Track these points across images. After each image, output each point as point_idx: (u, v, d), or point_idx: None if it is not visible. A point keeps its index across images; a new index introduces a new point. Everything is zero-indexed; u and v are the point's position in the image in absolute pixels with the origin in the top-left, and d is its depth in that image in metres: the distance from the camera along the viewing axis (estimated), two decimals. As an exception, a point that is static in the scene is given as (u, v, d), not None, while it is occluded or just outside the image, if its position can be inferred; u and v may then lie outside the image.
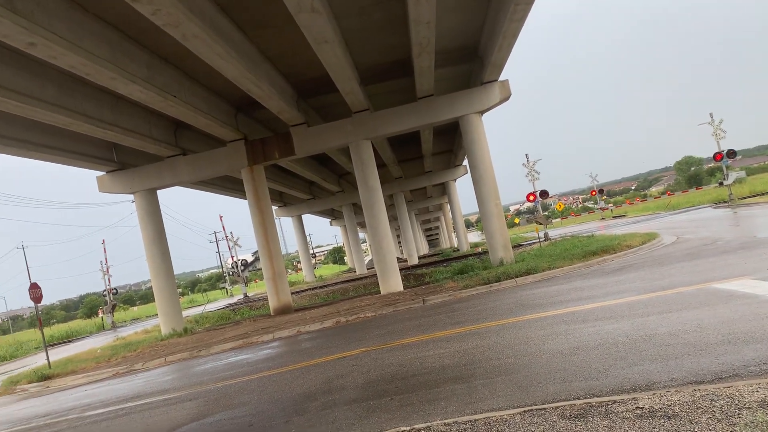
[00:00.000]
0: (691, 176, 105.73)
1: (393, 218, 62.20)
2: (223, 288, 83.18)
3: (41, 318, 22.81)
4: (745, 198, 39.54)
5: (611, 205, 74.57)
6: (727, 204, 38.15)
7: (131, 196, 25.57)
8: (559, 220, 79.16)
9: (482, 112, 23.51)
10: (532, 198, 35.46)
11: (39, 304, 21.41)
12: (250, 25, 15.78)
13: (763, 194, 39.62)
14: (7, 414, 13.99)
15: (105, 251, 58.38)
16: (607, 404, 5.30)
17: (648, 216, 46.08)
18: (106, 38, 13.86)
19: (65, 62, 13.04)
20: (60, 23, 12.03)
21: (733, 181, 40.22)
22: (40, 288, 20.98)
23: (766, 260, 12.42)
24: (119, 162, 24.33)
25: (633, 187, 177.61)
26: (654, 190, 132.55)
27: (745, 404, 4.66)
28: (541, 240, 33.66)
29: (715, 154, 39.79)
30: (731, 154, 39.43)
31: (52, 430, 10.36)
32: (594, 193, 64.28)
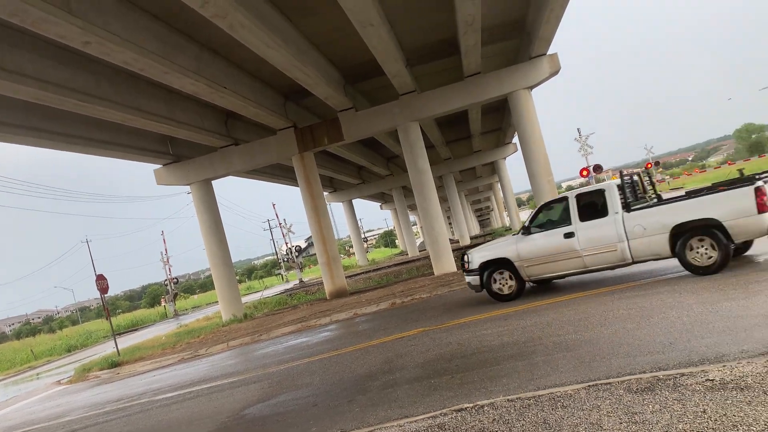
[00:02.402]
0: (753, 144, 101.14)
1: (443, 199, 61.86)
2: (279, 274, 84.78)
3: (108, 308, 23.78)
4: (813, 164, 37.69)
5: (668, 177, 72.24)
6: (793, 171, 36.44)
7: (187, 188, 26.25)
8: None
9: (531, 88, 23.07)
10: (585, 173, 34.62)
11: (105, 295, 22.32)
12: (296, 12, 15.88)
13: (832, 159, 37.69)
14: (82, 399, 14.70)
15: (164, 242, 60.27)
16: (676, 377, 5.20)
17: (708, 187, 44.44)
18: (156, 33, 14.19)
19: (119, 58, 13.44)
20: (113, 21, 12.39)
21: (800, 147, 38.32)
22: (106, 279, 21.85)
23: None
24: (174, 155, 24.99)
25: (690, 158, 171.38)
26: (713, 160, 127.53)
27: (823, 374, 4.50)
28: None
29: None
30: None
31: (125, 414, 10.84)
32: (649, 165, 62.37)
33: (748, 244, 10.93)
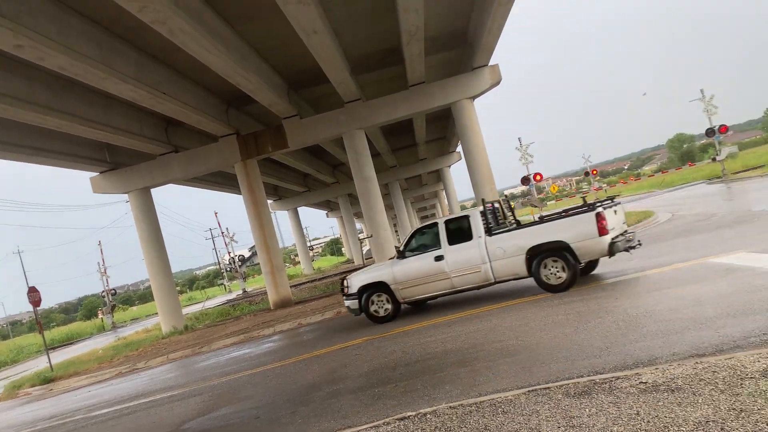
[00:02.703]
0: (684, 153, 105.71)
1: (389, 207, 62.20)
2: (222, 284, 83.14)
3: (40, 321, 22.80)
4: (738, 173, 39.60)
5: (605, 185, 74.68)
6: (720, 179, 38.25)
7: (126, 196, 25.50)
8: (553, 202, 79.24)
9: (474, 98, 23.48)
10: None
11: (38, 308, 21.38)
12: (238, 18, 15.68)
13: (755, 168, 39.68)
14: (11, 418, 14.02)
15: (102, 252, 58.27)
16: (611, 381, 5.34)
17: (642, 195, 46.24)
18: (94, 38, 13.76)
19: (54, 63, 12.96)
20: (47, 24, 11.94)
21: (726, 157, 40.23)
22: (38, 291, 20.95)
23: (761, 233, 12.49)
24: (112, 162, 24.24)
25: (626, 167, 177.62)
26: (647, 168, 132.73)
27: (747, 374, 4.70)
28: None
29: (707, 130, 39.79)
30: (723, 129, 39.41)
31: (58, 432, 10.39)
32: (590, 173, 64.34)
33: (594, 264, 12.29)
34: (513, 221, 13.35)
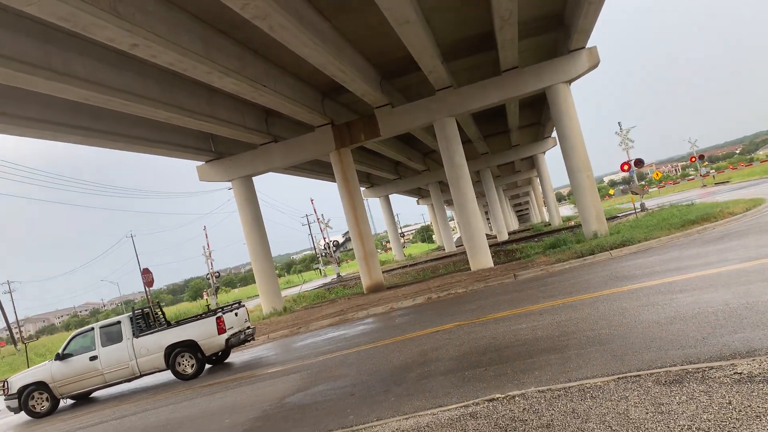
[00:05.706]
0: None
1: (480, 194, 61.67)
2: (317, 269, 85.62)
3: (152, 301, 24.55)
4: None
5: (713, 171, 70.44)
6: None
7: (228, 184, 26.83)
8: (656, 189, 75.62)
9: (570, 82, 22.87)
10: (626, 167, 34.11)
11: (150, 288, 23.08)
12: (332, 10, 16.14)
13: None
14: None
15: (207, 237, 61.36)
16: (704, 370, 5.28)
17: (754, 181, 43.33)
18: (199, 34, 14.62)
19: (164, 60, 13.91)
20: (159, 23, 12.83)
21: None
22: (151, 273, 22.62)
23: None
24: (216, 152, 25.60)
25: (738, 151, 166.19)
26: (761, 153, 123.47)
27: None
28: (637, 211, 32.46)
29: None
30: None
31: (171, 402, 11.29)
32: (693, 159, 60.88)
33: (227, 354, 15.38)
34: (164, 322, 15.83)
